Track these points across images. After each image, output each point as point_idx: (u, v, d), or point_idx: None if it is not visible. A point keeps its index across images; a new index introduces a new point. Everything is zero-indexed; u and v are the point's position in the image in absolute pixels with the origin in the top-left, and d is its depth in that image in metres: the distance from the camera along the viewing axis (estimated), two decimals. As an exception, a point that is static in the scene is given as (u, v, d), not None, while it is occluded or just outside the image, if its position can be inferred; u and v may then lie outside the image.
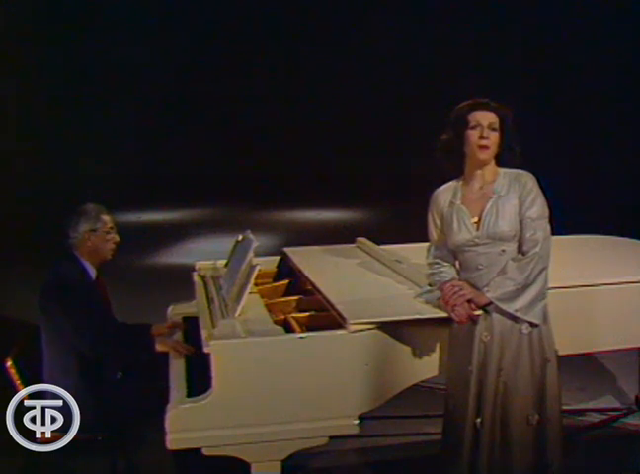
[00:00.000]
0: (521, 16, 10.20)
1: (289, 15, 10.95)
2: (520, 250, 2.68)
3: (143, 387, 3.06)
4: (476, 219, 2.70)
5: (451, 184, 2.82)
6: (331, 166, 10.65)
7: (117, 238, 3.17)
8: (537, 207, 2.67)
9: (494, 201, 2.68)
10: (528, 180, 2.70)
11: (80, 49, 10.99)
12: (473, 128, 2.66)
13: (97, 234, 3.09)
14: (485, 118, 2.66)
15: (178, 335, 3.28)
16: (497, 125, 2.67)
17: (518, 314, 2.61)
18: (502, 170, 2.74)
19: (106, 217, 3.13)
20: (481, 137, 2.64)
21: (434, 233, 2.85)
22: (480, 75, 9.45)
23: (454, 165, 2.77)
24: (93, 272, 3.13)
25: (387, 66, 10.82)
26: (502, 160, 2.74)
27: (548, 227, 2.70)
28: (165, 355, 3.01)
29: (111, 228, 3.14)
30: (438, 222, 2.82)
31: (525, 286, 2.61)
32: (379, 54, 10.80)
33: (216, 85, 11.27)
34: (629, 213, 8.17)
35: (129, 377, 3.14)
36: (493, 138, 2.66)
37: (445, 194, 2.80)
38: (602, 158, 9.69)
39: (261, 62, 11.11)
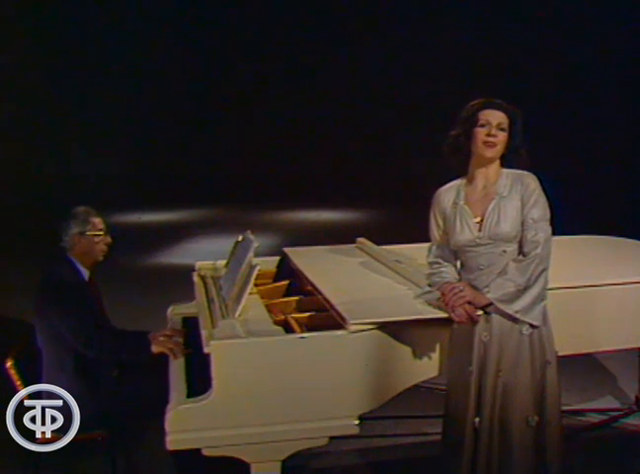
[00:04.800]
0: (521, 16, 10.20)
1: (291, 18, 10.95)
2: (520, 251, 2.68)
3: (142, 386, 3.06)
4: (479, 219, 2.70)
5: (454, 183, 2.82)
6: (331, 166, 10.66)
7: (108, 239, 3.19)
8: (539, 209, 2.67)
9: (496, 202, 2.68)
10: (531, 181, 2.70)
11: (82, 49, 11.00)
12: (482, 126, 2.66)
13: (86, 236, 3.10)
14: (494, 116, 2.66)
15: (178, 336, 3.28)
16: (506, 125, 2.67)
17: (517, 315, 2.61)
18: (505, 170, 2.74)
19: (95, 219, 3.14)
20: (488, 134, 2.64)
21: (435, 232, 2.85)
22: (481, 76, 9.45)
23: (460, 162, 2.77)
24: (85, 273, 3.16)
25: (389, 67, 10.83)
26: (507, 161, 2.73)
27: (549, 229, 2.69)
28: (165, 356, 3.01)
29: (100, 230, 3.15)
30: (440, 222, 2.82)
31: (526, 288, 2.61)
32: (380, 56, 10.82)
33: (217, 86, 11.28)
34: (629, 213, 8.18)
35: (126, 376, 3.14)
36: (500, 137, 2.66)
37: (448, 193, 2.80)
38: (602, 158, 9.70)
39: (262, 65, 11.13)
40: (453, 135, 2.74)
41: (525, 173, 2.73)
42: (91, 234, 3.11)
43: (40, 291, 3.07)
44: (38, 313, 3.05)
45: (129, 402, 3.00)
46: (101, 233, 3.15)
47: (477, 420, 2.66)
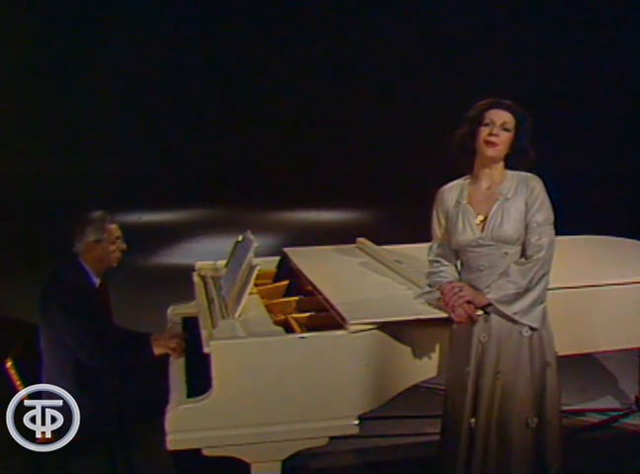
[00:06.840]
0: (520, 16, 10.20)
1: (288, 15, 10.95)
2: (523, 254, 2.68)
3: (142, 386, 3.05)
4: (481, 218, 2.70)
5: (458, 182, 2.81)
6: (331, 166, 10.66)
7: (123, 246, 3.15)
8: (543, 212, 2.67)
9: (500, 204, 2.68)
10: (536, 184, 2.70)
11: (83, 48, 11.00)
12: (486, 125, 2.65)
13: (101, 244, 3.07)
14: (499, 116, 2.66)
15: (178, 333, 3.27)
16: (511, 126, 2.66)
17: (516, 317, 2.61)
18: (510, 172, 2.73)
19: (111, 226, 3.10)
20: (490, 134, 2.64)
21: (437, 231, 2.84)
22: (481, 76, 9.45)
23: (466, 161, 2.76)
24: (96, 279, 3.12)
25: (388, 67, 10.83)
26: (512, 163, 2.72)
27: (553, 232, 2.69)
28: (166, 356, 3.01)
29: (117, 237, 3.11)
30: (442, 221, 2.81)
31: (526, 290, 2.61)
32: (380, 56, 10.82)
33: (217, 86, 11.28)
34: (629, 213, 8.17)
35: (127, 384, 3.11)
36: (503, 137, 2.65)
37: (452, 192, 2.79)
38: (602, 158, 9.70)
39: (261, 64, 11.13)
40: (459, 134, 2.74)
41: (530, 175, 2.72)
42: (107, 242, 3.08)
43: (48, 294, 3.02)
44: (42, 315, 3.01)
45: (129, 403, 2.99)
46: (117, 241, 3.12)
47: (473, 420, 2.66)
